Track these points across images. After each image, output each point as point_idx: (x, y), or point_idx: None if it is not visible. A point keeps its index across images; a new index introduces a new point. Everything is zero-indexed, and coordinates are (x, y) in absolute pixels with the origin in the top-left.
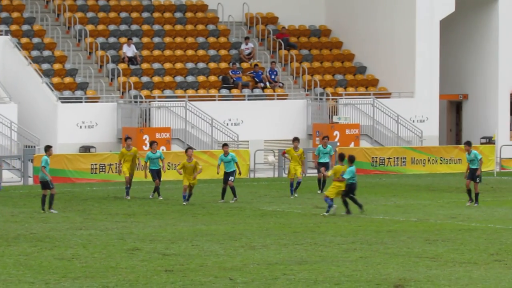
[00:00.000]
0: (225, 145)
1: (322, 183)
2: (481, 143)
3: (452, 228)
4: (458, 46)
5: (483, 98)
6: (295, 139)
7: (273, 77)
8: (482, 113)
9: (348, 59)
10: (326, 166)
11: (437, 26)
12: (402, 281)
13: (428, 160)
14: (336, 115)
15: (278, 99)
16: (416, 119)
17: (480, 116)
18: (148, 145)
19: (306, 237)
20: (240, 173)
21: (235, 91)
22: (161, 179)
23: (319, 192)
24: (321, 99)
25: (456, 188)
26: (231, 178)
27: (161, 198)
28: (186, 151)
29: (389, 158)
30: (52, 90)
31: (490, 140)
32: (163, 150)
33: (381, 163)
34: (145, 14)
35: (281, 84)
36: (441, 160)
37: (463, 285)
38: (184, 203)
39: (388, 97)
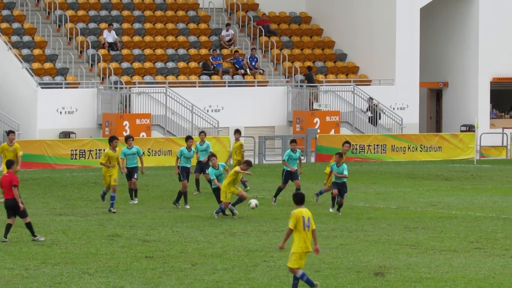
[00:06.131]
0: (202, 132)
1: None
2: (461, 131)
3: (432, 216)
4: (438, 34)
5: (464, 86)
6: (236, 131)
7: (253, 63)
8: (462, 101)
9: (329, 46)
10: (295, 174)
11: (418, 14)
12: (382, 268)
13: (408, 148)
14: (317, 102)
15: (258, 86)
16: (397, 106)
17: (460, 104)
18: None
19: (286, 224)
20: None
21: (215, 78)
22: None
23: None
24: (301, 86)
25: (436, 175)
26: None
27: (135, 202)
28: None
29: (369, 146)
30: (32, 76)
31: (470, 128)
32: (143, 136)
33: (361, 150)
34: (126, 0)
35: (261, 71)
36: (421, 148)
37: (443, 273)
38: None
39: (369, 85)
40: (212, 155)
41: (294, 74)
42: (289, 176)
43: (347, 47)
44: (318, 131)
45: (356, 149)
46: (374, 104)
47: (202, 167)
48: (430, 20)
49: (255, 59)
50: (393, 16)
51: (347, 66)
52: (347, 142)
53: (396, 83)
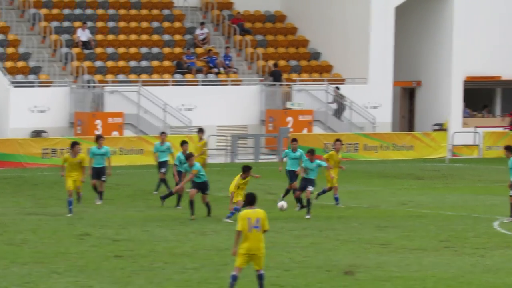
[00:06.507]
0: (162, 133)
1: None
2: (434, 130)
3: (403, 215)
4: (412, 33)
5: (437, 85)
6: (199, 130)
7: (227, 62)
8: (435, 100)
9: (303, 45)
10: (295, 176)
11: (392, 12)
12: (352, 267)
13: (380, 147)
14: (290, 101)
15: (232, 84)
16: (370, 105)
17: (433, 103)
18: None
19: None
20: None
21: (189, 76)
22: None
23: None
24: (274, 85)
25: (407, 174)
26: (162, 170)
27: (99, 203)
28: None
29: (342, 144)
30: (5, 74)
31: (442, 127)
32: (115, 135)
33: (333, 148)
34: None
35: (235, 70)
36: (393, 147)
37: (413, 272)
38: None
39: (342, 84)
40: (191, 155)
41: (268, 73)
42: (293, 174)
43: (321, 46)
44: (291, 130)
45: (328, 148)
46: (339, 95)
47: (162, 167)
48: (405, 19)
49: (229, 58)
50: (368, 15)
51: (321, 65)
52: (338, 139)
53: (370, 82)
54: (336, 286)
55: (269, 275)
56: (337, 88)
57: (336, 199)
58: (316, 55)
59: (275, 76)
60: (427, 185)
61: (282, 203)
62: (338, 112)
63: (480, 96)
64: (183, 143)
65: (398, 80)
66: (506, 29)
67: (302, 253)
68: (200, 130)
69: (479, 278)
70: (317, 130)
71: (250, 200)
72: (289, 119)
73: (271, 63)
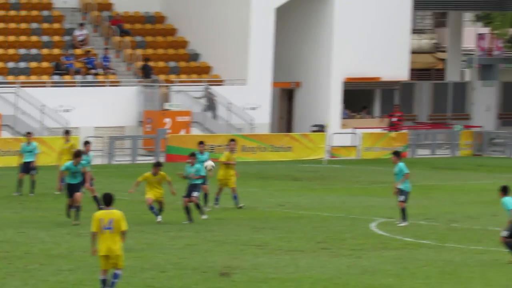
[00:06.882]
0: (28, 133)
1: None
2: (312, 131)
3: (280, 216)
4: (293, 34)
5: (316, 86)
6: (66, 132)
7: (106, 63)
8: (314, 101)
9: (182, 46)
10: (196, 187)
11: (273, 13)
12: (229, 268)
13: (259, 148)
14: (168, 102)
15: (110, 85)
16: (248, 106)
17: (311, 104)
18: None
19: (133, 224)
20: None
21: (67, 78)
22: None
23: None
24: (153, 86)
25: (285, 175)
26: (32, 172)
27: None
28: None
29: (219, 146)
30: None
31: (321, 128)
32: None
33: (211, 150)
34: None
35: (113, 71)
36: (271, 148)
37: (289, 273)
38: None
39: (221, 84)
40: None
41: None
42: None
43: (200, 47)
44: (169, 131)
45: (206, 149)
46: (209, 93)
47: (27, 168)
48: (285, 20)
49: (107, 59)
50: (248, 16)
51: (200, 66)
52: (233, 139)
53: (249, 83)
54: (212, 287)
55: (145, 277)
56: (207, 87)
57: (235, 197)
58: (195, 56)
59: (146, 70)
60: (305, 186)
61: (208, 163)
62: (209, 109)
63: (359, 97)
64: (86, 143)
65: (277, 81)
66: (385, 31)
67: (178, 254)
68: (67, 132)
69: (356, 279)
70: (195, 131)
71: (106, 201)
72: (167, 120)
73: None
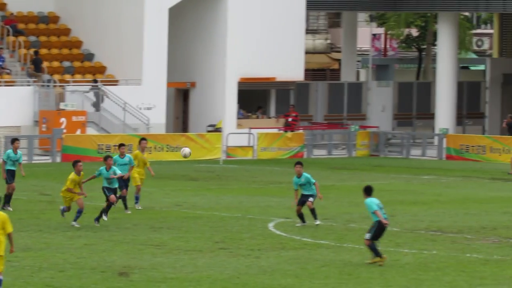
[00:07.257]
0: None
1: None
2: (208, 131)
3: (177, 216)
4: (187, 34)
5: (211, 86)
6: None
7: (0, 63)
8: (209, 101)
9: (76, 46)
10: (114, 191)
11: (166, 13)
12: (127, 268)
13: (155, 148)
14: (63, 102)
15: (5, 85)
16: (144, 106)
17: (207, 104)
18: None
19: (31, 223)
20: None
21: None
22: None
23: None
24: (48, 86)
25: (182, 175)
26: None
27: None
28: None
29: (115, 146)
30: None
31: (216, 128)
32: None
33: (107, 150)
34: None
35: (8, 71)
36: (167, 148)
37: (187, 273)
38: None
39: (116, 85)
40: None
41: (42, 74)
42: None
43: (95, 47)
44: (64, 131)
45: (102, 149)
46: (97, 86)
47: None
48: (180, 20)
49: (2, 59)
50: (141, 16)
51: (95, 66)
52: (144, 139)
53: (144, 83)
54: (111, 287)
55: (43, 276)
56: (95, 81)
57: (137, 198)
58: (89, 56)
59: (36, 64)
60: (201, 186)
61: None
62: (97, 104)
63: (254, 97)
64: (14, 140)
65: (172, 81)
66: (279, 31)
67: (76, 254)
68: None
69: (255, 279)
70: (90, 131)
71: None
72: (63, 120)
73: (44, 65)
